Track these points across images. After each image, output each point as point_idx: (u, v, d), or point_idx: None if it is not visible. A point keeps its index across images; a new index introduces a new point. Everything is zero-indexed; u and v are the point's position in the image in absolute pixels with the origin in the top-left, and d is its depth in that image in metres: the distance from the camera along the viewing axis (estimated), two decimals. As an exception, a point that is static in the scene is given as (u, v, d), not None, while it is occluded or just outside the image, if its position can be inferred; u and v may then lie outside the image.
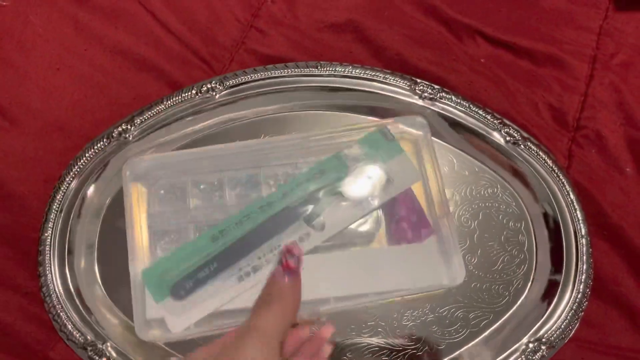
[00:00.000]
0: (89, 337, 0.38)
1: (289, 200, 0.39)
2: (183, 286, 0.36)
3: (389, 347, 0.40)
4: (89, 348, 0.38)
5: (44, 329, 0.40)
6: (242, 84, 0.44)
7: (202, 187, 0.40)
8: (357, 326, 0.40)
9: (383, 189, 0.40)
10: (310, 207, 0.39)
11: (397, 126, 0.43)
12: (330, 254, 0.39)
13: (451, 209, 0.42)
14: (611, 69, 0.49)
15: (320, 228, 0.39)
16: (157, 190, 0.39)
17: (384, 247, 0.40)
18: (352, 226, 0.40)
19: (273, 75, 0.44)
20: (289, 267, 0.28)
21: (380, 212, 0.41)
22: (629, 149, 0.46)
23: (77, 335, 0.38)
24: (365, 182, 0.40)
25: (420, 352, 0.40)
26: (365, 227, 0.41)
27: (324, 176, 0.40)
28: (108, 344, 0.38)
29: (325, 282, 0.38)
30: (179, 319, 0.36)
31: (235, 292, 0.37)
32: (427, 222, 0.40)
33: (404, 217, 0.41)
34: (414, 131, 0.42)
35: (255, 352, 0.24)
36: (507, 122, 0.44)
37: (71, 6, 0.49)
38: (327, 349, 0.30)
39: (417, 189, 0.41)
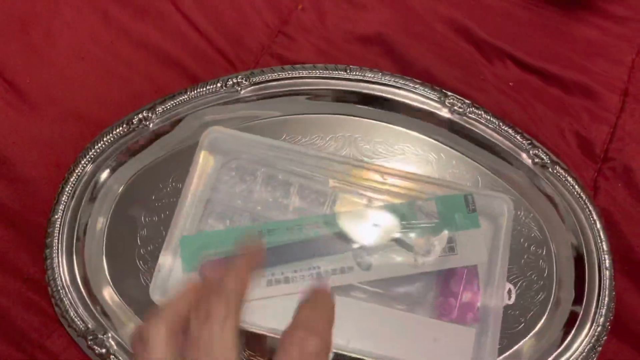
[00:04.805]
0: (90, 326, 0.40)
1: None
2: (213, 267, 0.37)
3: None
4: (89, 337, 0.39)
5: (41, 316, 0.42)
6: (268, 81, 0.46)
7: (272, 182, 0.42)
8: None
9: (443, 255, 0.41)
10: (363, 244, 0.40)
11: (480, 198, 0.43)
12: (365, 304, 0.40)
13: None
14: (643, 102, 0.51)
15: (365, 267, 0.40)
16: (229, 167, 0.41)
17: (421, 317, 0.40)
18: (399, 284, 0.41)
19: (300, 75, 0.47)
20: None
21: (434, 279, 0.41)
22: (657, 185, 0.48)
23: (79, 323, 0.40)
24: (427, 241, 0.41)
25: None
26: (412, 289, 0.41)
27: (389, 219, 0.41)
28: (109, 334, 0.40)
29: (348, 328, 0.39)
30: None
31: (259, 294, 0.38)
32: (476, 307, 0.40)
33: (455, 293, 0.40)
34: (496, 209, 0.43)
35: None
36: (537, 143, 0.46)
37: (102, -1, 0.53)
38: None
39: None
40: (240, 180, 0.43)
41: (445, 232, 0.41)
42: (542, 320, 0.43)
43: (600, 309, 0.43)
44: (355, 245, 0.41)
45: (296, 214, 0.42)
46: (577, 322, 0.43)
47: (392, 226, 0.42)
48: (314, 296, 0.29)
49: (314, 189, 0.43)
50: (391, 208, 0.42)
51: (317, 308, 0.28)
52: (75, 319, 0.40)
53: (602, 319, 0.42)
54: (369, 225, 0.41)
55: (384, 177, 0.43)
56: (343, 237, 0.41)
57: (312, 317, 0.27)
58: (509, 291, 0.43)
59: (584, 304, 0.43)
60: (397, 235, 0.41)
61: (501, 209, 0.43)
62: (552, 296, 0.44)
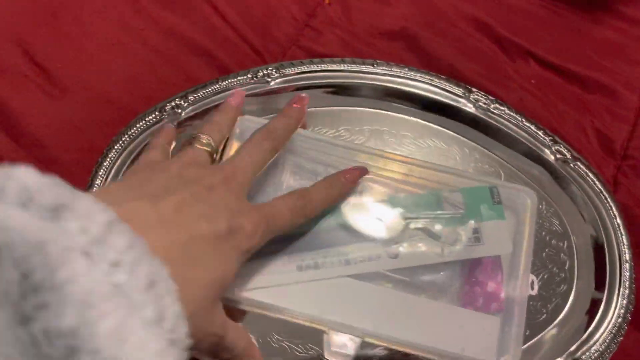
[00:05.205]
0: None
1: None
2: None
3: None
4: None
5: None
6: (297, 73, 0.48)
7: (299, 171, 0.43)
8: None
9: (469, 245, 0.42)
10: (391, 233, 0.41)
11: (505, 191, 0.43)
12: (393, 291, 0.40)
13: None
14: (661, 102, 0.52)
15: (393, 256, 0.41)
16: None
17: (446, 305, 0.41)
18: (424, 273, 0.41)
19: (328, 68, 0.48)
20: None
21: (459, 268, 0.42)
22: (676, 183, 0.50)
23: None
24: (453, 231, 0.42)
25: None
26: (437, 277, 0.42)
27: (416, 209, 0.42)
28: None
29: (376, 315, 0.39)
30: None
31: (290, 279, 0.38)
32: (501, 297, 0.41)
33: (481, 283, 0.41)
34: (519, 202, 0.43)
35: None
36: (559, 140, 0.48)
37: (132, -12, 0.54)
38: None
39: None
40: (268, 169, 0.44)
41: (471, 223, 0.42)
42: (564, 312, 0.44)
43: (620, 301, 0.44)
44: (383, 234, 0.41)
45: None
46: (598, 314, 0.43)
47: (419, 216, 0.43)
48: (333, 178, 0.40)
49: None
50: (418, 198, 0.43)
51: (328, 188, 0.39)
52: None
53: (622, 311, 0.43)
54: (396, 215, 0.42)
55: (410, 169, 0.44)
56: (371, 226, 0.42)
57: (318, 191, 0.39)
58: (532, 282, 0.44)
59: (604, 296, 0.44)
60: (424, 225, 0.42)
61: (525, 202, 0.44)
62: (573, 288, 0.45)
